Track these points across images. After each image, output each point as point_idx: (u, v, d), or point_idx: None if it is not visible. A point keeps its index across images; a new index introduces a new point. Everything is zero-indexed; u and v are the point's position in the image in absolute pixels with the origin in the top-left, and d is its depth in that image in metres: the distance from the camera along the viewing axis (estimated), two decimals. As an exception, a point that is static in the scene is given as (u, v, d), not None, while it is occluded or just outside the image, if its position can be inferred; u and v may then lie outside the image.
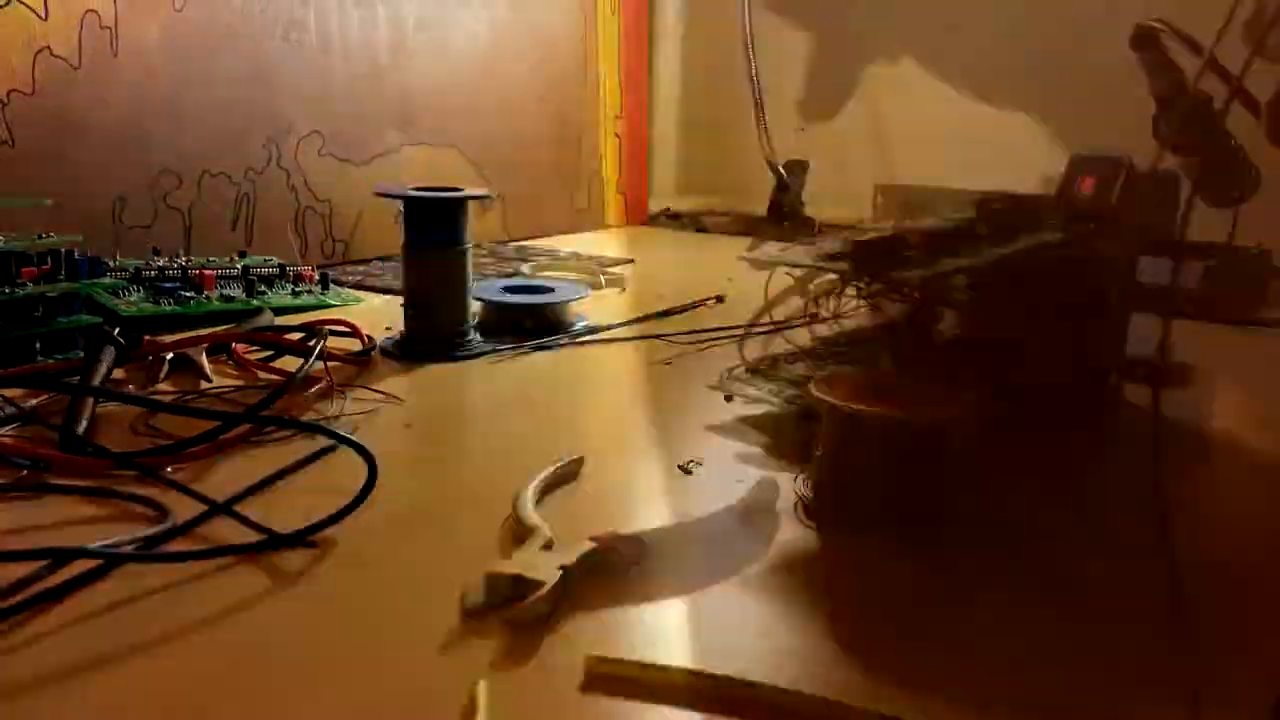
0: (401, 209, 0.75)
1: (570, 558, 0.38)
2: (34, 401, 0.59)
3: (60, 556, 0.39)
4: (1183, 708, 0.32)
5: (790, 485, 0.49)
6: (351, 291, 0.95)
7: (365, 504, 0.44)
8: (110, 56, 0.91)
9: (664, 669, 0.33)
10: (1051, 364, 0.55)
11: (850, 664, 0.34)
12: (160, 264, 0.85)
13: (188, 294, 0.82)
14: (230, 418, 0.53)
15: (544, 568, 0.37)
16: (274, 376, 0.66)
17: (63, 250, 0.74)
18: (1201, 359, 0.59)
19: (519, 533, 0.42)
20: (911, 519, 0.45)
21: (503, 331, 0.79)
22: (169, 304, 0.80)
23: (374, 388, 0.65)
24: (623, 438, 0.59)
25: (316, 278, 0.91)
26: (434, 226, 0.74)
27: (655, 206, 1.60)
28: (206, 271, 0.85)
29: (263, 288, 0.87)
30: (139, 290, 0.81)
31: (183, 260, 0.86)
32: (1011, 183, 0.65)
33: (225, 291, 0.84)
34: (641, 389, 0.70)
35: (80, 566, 0.38)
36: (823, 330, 0.67)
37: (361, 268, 1.09)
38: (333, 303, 0.89)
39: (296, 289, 0.89)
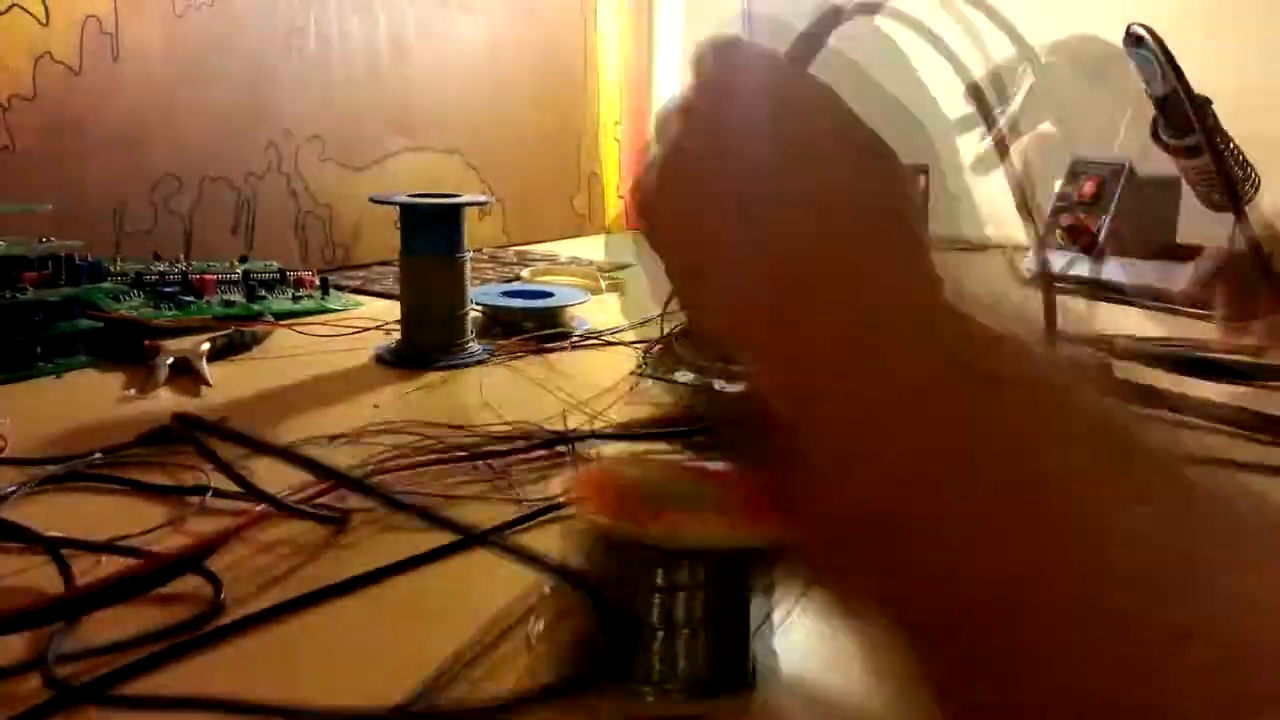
0: (398, 216, 0.75)
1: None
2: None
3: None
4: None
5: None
6: (352, 296, 0.95)
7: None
8: (111, 62, 0.91)
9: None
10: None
11: None
12: (161, 269, 0.85)
13: (188, 299, 0.82)
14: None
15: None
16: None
17: (63, 255, 0.74)
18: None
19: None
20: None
21: (502, 336, 0.79)
22: (169, 308, 0.80)
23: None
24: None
25: (317, 282, 0.91)
26: (430, 233, 0.74)
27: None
28: (207, 276, 0.85)
29: (263, 293, 0.87)
30: (139, 295, 0.81)
31: (183, 265, 0.86)
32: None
33: (226, 296, 0.84)
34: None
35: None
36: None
37: (362, 272, 1.09)
38: (333, 307, 0.89)
39: (297, 294, 0.89)
